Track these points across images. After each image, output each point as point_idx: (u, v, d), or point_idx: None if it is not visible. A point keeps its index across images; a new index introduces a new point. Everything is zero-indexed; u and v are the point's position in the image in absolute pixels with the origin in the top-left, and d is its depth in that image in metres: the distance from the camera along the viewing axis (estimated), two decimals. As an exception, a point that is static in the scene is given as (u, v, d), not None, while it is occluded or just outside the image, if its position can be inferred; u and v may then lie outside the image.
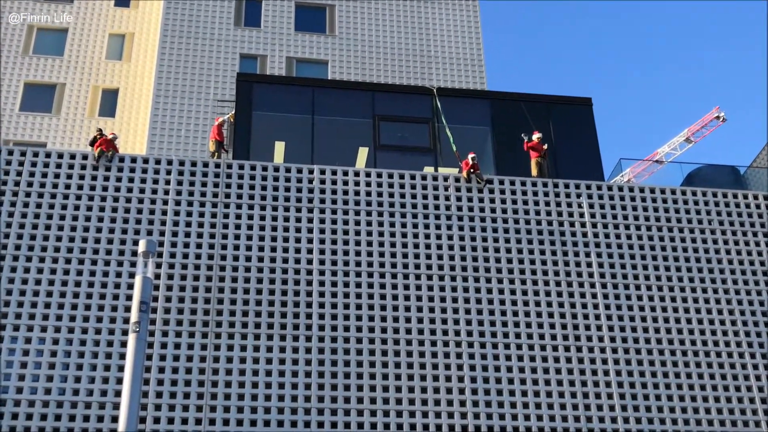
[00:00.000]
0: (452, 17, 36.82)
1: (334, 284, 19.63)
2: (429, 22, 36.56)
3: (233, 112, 25.02)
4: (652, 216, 21.82)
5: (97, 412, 17.44)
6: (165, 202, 20.13)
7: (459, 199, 21.29)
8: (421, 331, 19.32)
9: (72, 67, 35.51)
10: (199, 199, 20.30)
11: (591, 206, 21.73)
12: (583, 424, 18.67)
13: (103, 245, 19.32)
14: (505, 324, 19.69)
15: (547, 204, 21.58)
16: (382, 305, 19.53)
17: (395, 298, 19.67)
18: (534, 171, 22.57)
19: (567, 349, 19.58)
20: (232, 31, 34.87)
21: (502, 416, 18.54)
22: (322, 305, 19.32)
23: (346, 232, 20.39)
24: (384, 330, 19.22)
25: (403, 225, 20.70)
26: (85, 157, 20.48)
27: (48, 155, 20.37)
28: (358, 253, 20.14)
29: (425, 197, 21.20)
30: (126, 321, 18.34)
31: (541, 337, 19.65)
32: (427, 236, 20.63)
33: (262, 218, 20.28)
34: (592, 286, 20.52)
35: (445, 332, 19.38)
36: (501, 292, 20.09)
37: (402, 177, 21.42)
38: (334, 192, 20.90)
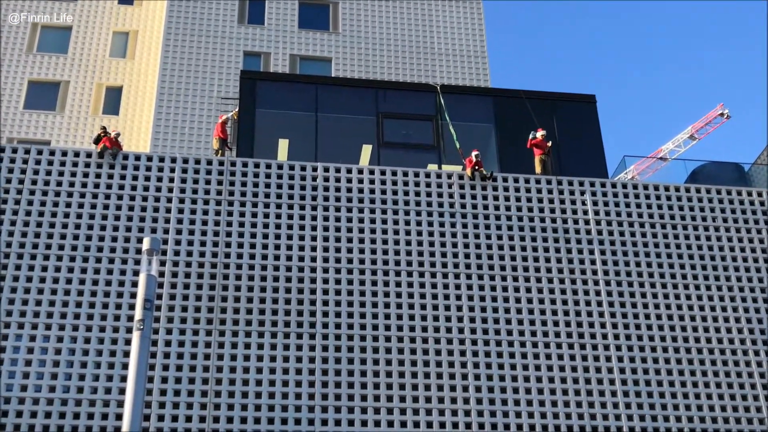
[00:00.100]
0: (456, 14, 36.79)
1: (337, 282, 19.63)
2: (432, 19, 36.53)
3: (237, 110, 25.02)
4: (656, 213, 21.79)
5: (101, 410, 17.46)
6: (169, 200, 20.14)
7: (463, 196, 21.28)
8: (425, 329, 19.32)
9: (76, 64, 35.54)
10: (203, 197, 20.30)
11: (595, 203, 21.71)
12: (587, 421, 18.66)
13: (108, 243, 19.33)
14: (509, 321, 19.69)
15: (551, 201, 21.56)
16: (386, 303, 19.52)
17: (399, 295, 19.66)
18: (538, 168, 22.55)
19: (571, 345, 19.57)
20: (235, 28, 34.88)
21: (506, 413, 18.54)
22: (325, 303, 19.32)
23: (349, 230, 20.39)
24: (388, 327, 19.22)
25: (407, 222, 20.70)
26: (89, 155, 20.49)
27: (52, 153, 20.38)
28: (362, 251, 20.14)
29: (429, 194, 21.19)
30: (130, 319, 18.35)
31: (545, 333, 19.65)
32: (431, 233, 20.63)
33: (266, 216, 20.28)
34: (596, 283, 20.50)
35: (448, 329, 19.38)
36: (505, 289, 20.08)
37: (406, 174, 21.41)
38: (337, 189, 20.90)
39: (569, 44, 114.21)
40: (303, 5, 36.28)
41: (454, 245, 20.51)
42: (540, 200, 21.54)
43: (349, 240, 20.24)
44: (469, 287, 19.98)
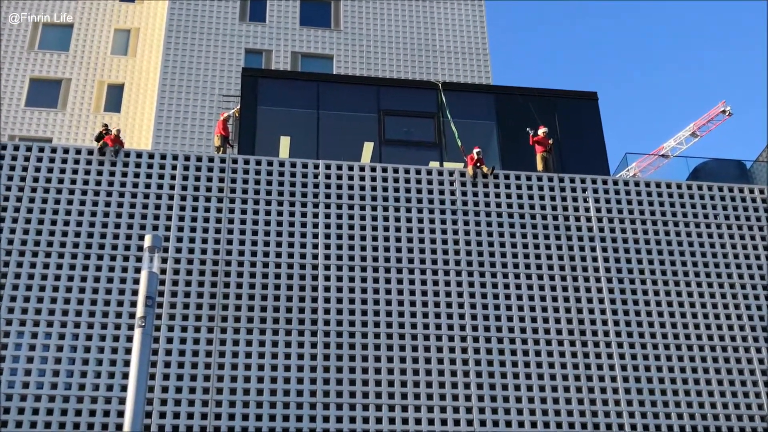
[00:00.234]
0: (457, 12, 36.77)
1: (339, 279, 19.63)
2: (434, 16, 36.51)
3: (238, 107, 25.01)
4: (658, 210, 21.78)
5: (103, 406, 17.47)
6: (170, 197, 20.14)
7: (465, 193, 21.27)
8: (426, 326, 19.31)
9: (77, 62, 35.54)
10: (205, 194, 20.30)
11: (597, 200, 21.69)
12: (588, 418, 18.67)
13: (109, 240, 19.33)
14: (510, 318, 19.68)
15: (553, 198, 21.55)
16: (388, 300, 19.52)
17: (401, 292, 19.66)
18: (539, 165, 22.54)
19: (573, 343, 19.57)
20: (237, 26, 34.87)
21: (507, 411, 18.53)
22: (327, 300, 19.32)
23: (351, 227, 20.38)
24: (390, 325, 19.22)
25: (408, 220, 20.69)
26: (90, 153, 20.50)
27: (54, 150, 20.38)
28: (363, 248, 20.14)
29: (431, 192, 21.18)
30: (132, 316, 18.37)
31: (547, 331, 19.64)
32: (433, 231, 20.62)
33: (268, 213, 20.28)
34: (598, 280, 20.50)
35: (450, 327, 19.37)
36: (507, 286, 20.08)
37: (407, 172, 21.40)
38: (339, 187, 20.89)
39: (571, 42, 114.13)
40: (304, 2, 36.26)
41: (456, 242, 20.51)
42: (542, 197, 21.52)
43: (351, 237, 20.24)
44: (471, 284, 19.97)
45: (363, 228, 20.41)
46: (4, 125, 33.25)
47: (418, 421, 18.16)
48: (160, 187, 20.25)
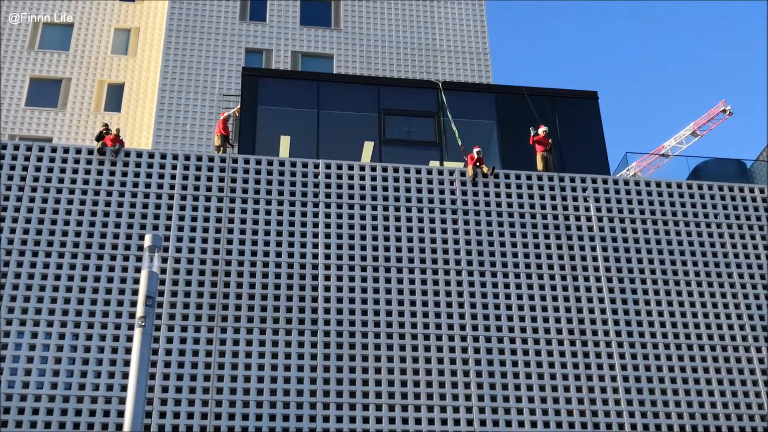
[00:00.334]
0: (458, 11, 36.75)
1: (339, 279, 19.62)
2: (434, 16, 36.49)
3: (238, 107, 25.01)
4: (658, 209, 21.77)
5: (103, 406, 17.47)
6: (170, 197, 20.14)
7: (465, 193, 21.27)
8: (426, 325, 19.31)
9: (77, 61, 35.53)
10: (205, 194, 20.30)
11: (597, 200, 21.69)
12: (588, 418, 18.66)
13: (109, 240, 19.33)
14: (510, 318, 19.68)
15: (553, 198, 21.55)
16: (388, 299, 19.52)
17: (401, 292, 19.66)
18: (540, 165, 22.53)
19: (573, 342, 19.57)
20: (237, 25, 34.86)
21: (507, 410, 18.53)
22: (327, 300, 19.32)
23: (351, 227, 20.38)
24: (390, 324, 19.21)
25: (409, 219, 20.68)
26: (90, 152, 20.50)
27: (54, 150, 20.38)
28: (363, 248, 20.13)
29: (431, 191, 21.17)
30: (132, 315, 18.36)
31: (547, 330, 19.64)
32: (433, 230, 20.61)
33: (268, 212, 20.27)
34: (598, 279, 20.49)
35: (450, 326, 19.37)
36: (507, 286, 20.07)
37: (407, 171, 21.40)
38: (339, 186, 20.89)
39: (571, 41, 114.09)
40: (305, 2, 36.25)
41: (456, 242, 20.50)
42: (542, 197, 21.52)
43: (351, 237, 20.23)
44: (471, 283, 19.97)
45: (363, 227, 20.41)
46: (4, 125, 33.25)
47: (418, 421, 18.16)
48: (160, 186, 20.25)
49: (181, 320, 18.62)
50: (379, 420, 18.08)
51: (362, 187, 20.98)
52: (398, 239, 20.36)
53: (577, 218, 21.34)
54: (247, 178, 20.69)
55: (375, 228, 20.44)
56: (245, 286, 19.21)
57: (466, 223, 20.83)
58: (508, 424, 18.38)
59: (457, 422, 18.26)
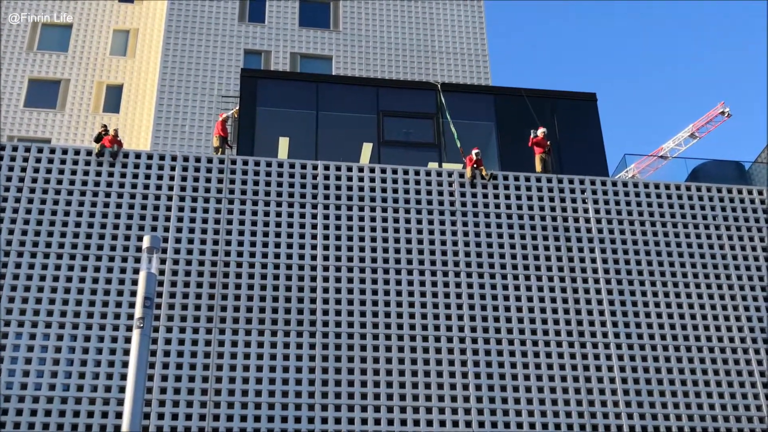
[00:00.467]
0: (457, 13, 36.76)
1: (338, 280, 19.62)
2: (433, 17, 36.50)
3: (237, 108, 25.00)
4: (657, 211, 21.78)
5: (101, 408, 17.45)
6: (169, 198, 20.14)
7: (464, 194, 21.27)
8: (425, 327, 19.31)
9: (76, 63, 35.52)
10: (204, 195, 20.29)
11: (595, 202, 21.69)
12: (587, 420, 18.65)
13: (108, 241, 19.32)
14: (509, 319, 19.67)
15: (552, 199, 21.55)
16: (386, 301, 19.52)
17: (399, 293, 19.66)
18: (538, 167, 22.53)
19: (571, 344, 19.56)
20: (236, 26, 34.85)
21: (506, 412, 18.52)
22: (326, 301, 19.31)
23: (350, 228, 20.37)
24: (388, 326, 19.21)
25: (407, 221, 20.68)
26: (89, 153, 20.50)
27: (52, 151, 20.37)
28: (362, 249, 20.13)
29: (429, 193, 21.18)
30: (130, 317, 18.35)
31: (546, 332, 19.64)
32: (432, 232, 20.61)
33: (266, 214, 20.27)
34: (597, 281, 20.49)
35: (449, 328, 19.36)
36: (505, 287, 20.07)
37: (406, 172, 21.40)
38: (338, 188, 20.89)
39: (570, 43, 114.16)
40: (304, 3, 36.25)
41: (455, 243, 20.50)
42: (540, 198, 21.52)
43: (350, 238, 20.23)
44: (470, 285, 19.97)
45: (362, 229, 20.41)
46: (3, 126, 33.24)
47: (416, 423, 18.15)
48: (158, 187, 20.25)
49: (180, 321, 18.62)
50: (377, 421, 18.08)
51: (361, 189, 20.98)
52: (397, 241, 20.36)
53: (576, 220, 21.34)
54: (245, 179, 20.69)
55: (373, 229, 20.44)
56: (244, 288, 19.20)
57: (465, 224, 20.83)
58: (507, 426, 18.38)
59: (455, 424, 18.26)
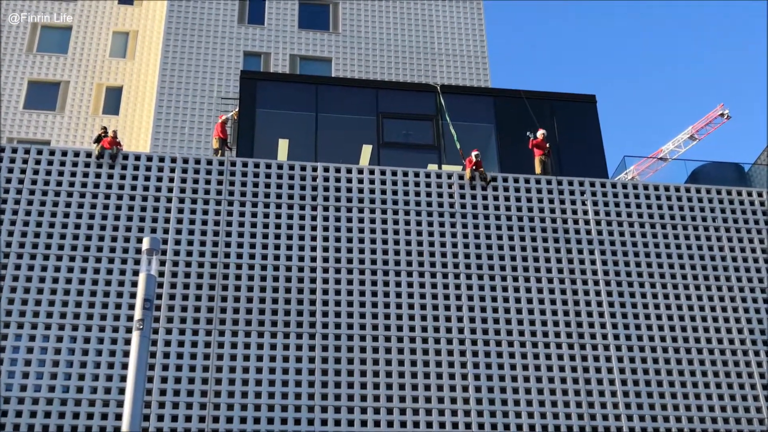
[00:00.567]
0: (456, 14, 36.77)
1: (336, 282, 19.62)
2: (433, 19, 36.52)
3: (237, 110, 25.01)
4: (656, 213, 21.78)
5: (101, 410, 17.45)
6: (169, 200, 20.14)
7: (463, 196, 21.27)
8: (424, 328, 19.31)
9: (76, 64, 35.52)
10: (203, 197, 20.29)
11: (595, 203, 21.70)
12: (587, 422, 18.65)
13: (107, 243, 19.32)
14: (509, 321, 19.68)
15: (551, 201, 21.55)
16: (386, 303, 19.52)
17: (398, 295, 19.66)
18: (538, 169, 22.53)
19: (571, 345, 19.56)
20: (235, 28, 34.87)
21: (505, 413, 18.52)
22: (325, 303, 19.31)
23: (349, 230, 20.38)
24: (388, 328, 19.21)
25: (407, 222, 20.69)
26: (89, 155, 20.50)
27: (52, 153, 20.37)
28: (361, 251, 20.13)
29: (429, 194, 21.18)
30: (130, 319, 18.35)
31: (545, 334, 19.63)
32: (431, 233, 20.61)
33: (266, 216, 20.27)
34: (596, 283, 20.49)
35: (448, 329, 19.37)
36: (505, 289, 20.07)
37: (406, 174, 21.40)
38: (337, 189, 20.89)
39: (569, 44, 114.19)
40: (303, 5, 36.26)
41: (454, 245, 20.50)
42: (540, 200, 21.53)
43: (349, 240, 20.24)
44: (469, 287, 19.97)
45: (361, 231, 20.41)
46: (2, 127, 33.23)
47: (416, 425, 18.15)
48: (158, 189, 20.25)
49: (180, 323, 18.62)
50: (377, 423, 18.07)
51: (360, 191, 20.98)
52: (396, 242, 20.36)
53: (575, 222, 21.35)
54: (245, 181, 20.69)
55: (373, 231, 20.44)
56: (243, 289, 19.20)
57: (464, 226, 20.83)
58: (506, 428, 18.37)
59: (455, 425, 18.25)
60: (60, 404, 17.39)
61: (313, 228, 20.27)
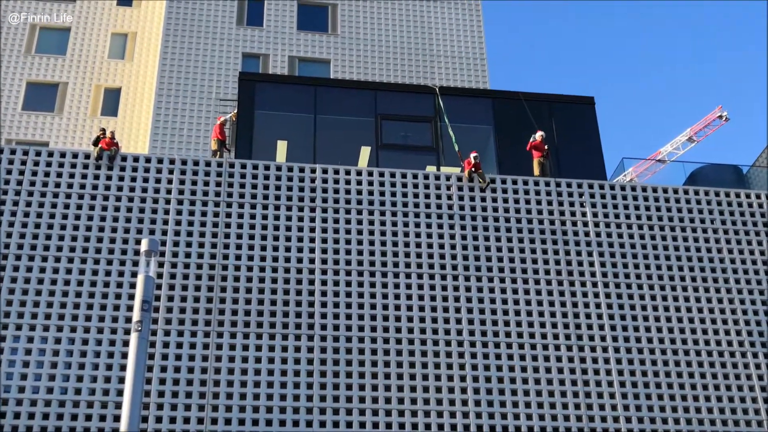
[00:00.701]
0: (454, 16, 36.80)
1: (335, 284, 19.62)
2: (431, 20, 36.54)
3: (235, 111, 25.02)
4: (655, 215, 21.79)
5: (99, 411, 17.45)
6: (167, 202, 20.14)
7: (461, 198, 21.28)
8: (423, 330, 19.31)
9: (74, 66, 35.52)
10: (201, 198, 20.30)
11: (593, 206, 21.71)
12: (585, 424, 18.66)
13: (106, 244, 19.32)
14: (507, 323, 19.68)
15: (550, 203, 21.57)
16: (384, 305, 19.52)
17: (397, 297, 19.66)
18: (536, 170, 22.54)
19: (569, 348, 19.57)
20: (234, 30, 34.88)
21: (504, 415, 18.53)
22: (323, 305, 19.31)
23: (348, 232, 20.38)
24: (386, 329, 19.21)
25: (405, 224, 20.69)
26: (87, 156, 20.50)
27: (50, 154, 20.37)
28: (360, 253, 20.14)
29: (427, 196, 21.19)
30: (128, 320, 18.35)
31: (544, 336, 19.64)
32: (429, 235, 20.62)
33: (264, 217, 20.28)
34: (594, 285, 20.50)
35: (447, 331, 19.37)
36: (503, 291, 20.08)
37: (404, 176, 21.41)
38: (336, 191, 20.90)
39: (568, 46, 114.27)
40: (302, 7, 36.29)
41: (453, 247, 20.51)
42: (538, 202, 21.54)
43: (348, 242, 20.24)
44: (467, 289, 19.97)
45: (360, 232, 20.41)
46: (1, 129, 33.22)
47: (414, 426, 18.15)
48: (157, 191, 20.25)
49: (178, 324, 18.62)
50: (375, 425, 18.07)
51: (359, 192, 20.99)
52: (395, 244, 20.37)
53: (574, 224, 21.36)
54: (243, 182, 20.69)
55: (372, 233, 20.45)
56: (242, 290, 19.20)
57: (463, 228, 20.84)
58: (505, 429, 18.38)
59: (453, 427, 18.26)
60: (58, 405, 17.38)
61: (312, 230, 20.27)
